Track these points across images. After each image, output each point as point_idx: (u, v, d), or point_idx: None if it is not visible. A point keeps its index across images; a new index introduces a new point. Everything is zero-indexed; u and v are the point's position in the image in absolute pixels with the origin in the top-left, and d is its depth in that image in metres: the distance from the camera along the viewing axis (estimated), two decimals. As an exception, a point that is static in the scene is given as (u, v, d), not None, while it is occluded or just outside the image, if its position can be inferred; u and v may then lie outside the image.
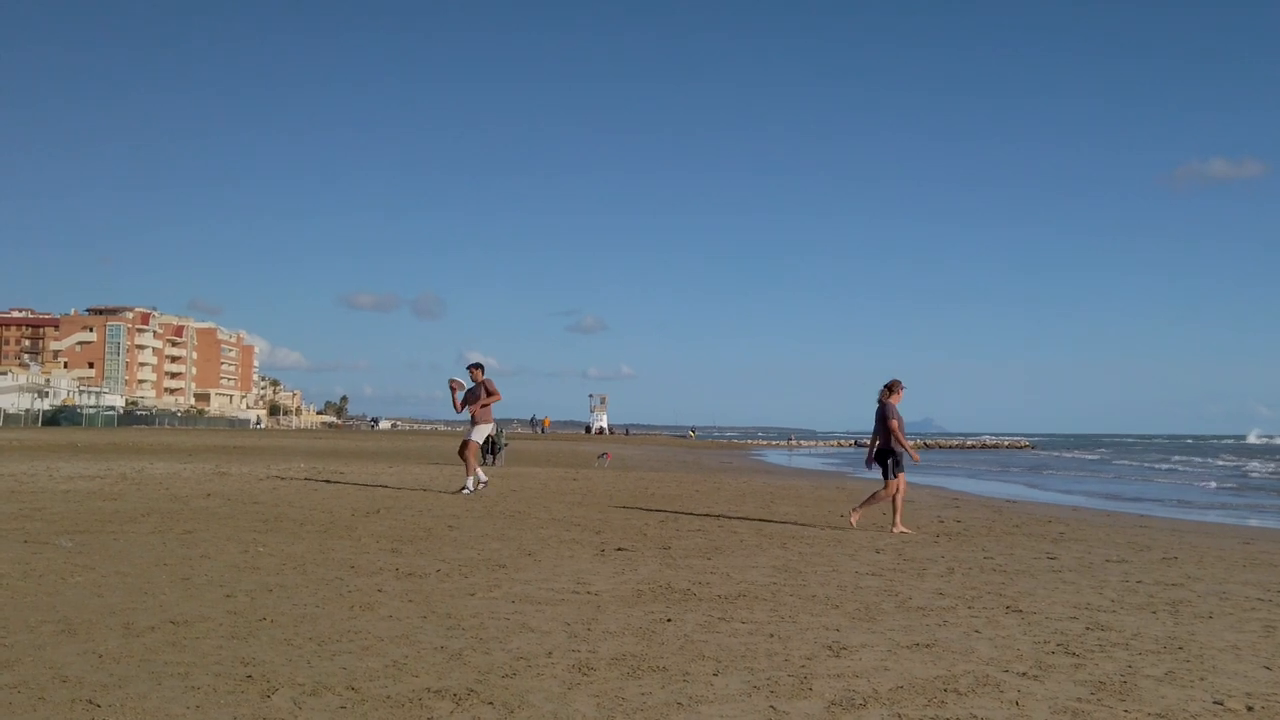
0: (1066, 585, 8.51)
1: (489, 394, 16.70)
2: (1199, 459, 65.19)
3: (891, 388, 12.60)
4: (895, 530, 12.23)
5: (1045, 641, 6.08)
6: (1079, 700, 4.74)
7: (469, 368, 16.97)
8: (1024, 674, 5.23)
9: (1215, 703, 4.78)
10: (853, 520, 12.60)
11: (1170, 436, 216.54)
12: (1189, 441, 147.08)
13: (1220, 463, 58.15)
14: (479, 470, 16.63)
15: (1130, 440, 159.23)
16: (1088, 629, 6.53)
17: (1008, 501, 21.69)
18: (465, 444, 16.68)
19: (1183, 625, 6.79)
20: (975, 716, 4.45)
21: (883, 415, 12.45)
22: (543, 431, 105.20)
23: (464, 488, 16.25)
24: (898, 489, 12.43)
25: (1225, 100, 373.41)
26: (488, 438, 27.89)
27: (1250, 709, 4.70)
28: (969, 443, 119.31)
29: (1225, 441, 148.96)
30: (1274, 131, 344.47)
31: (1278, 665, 5.63)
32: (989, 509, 18.11)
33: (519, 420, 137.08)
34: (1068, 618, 6.93)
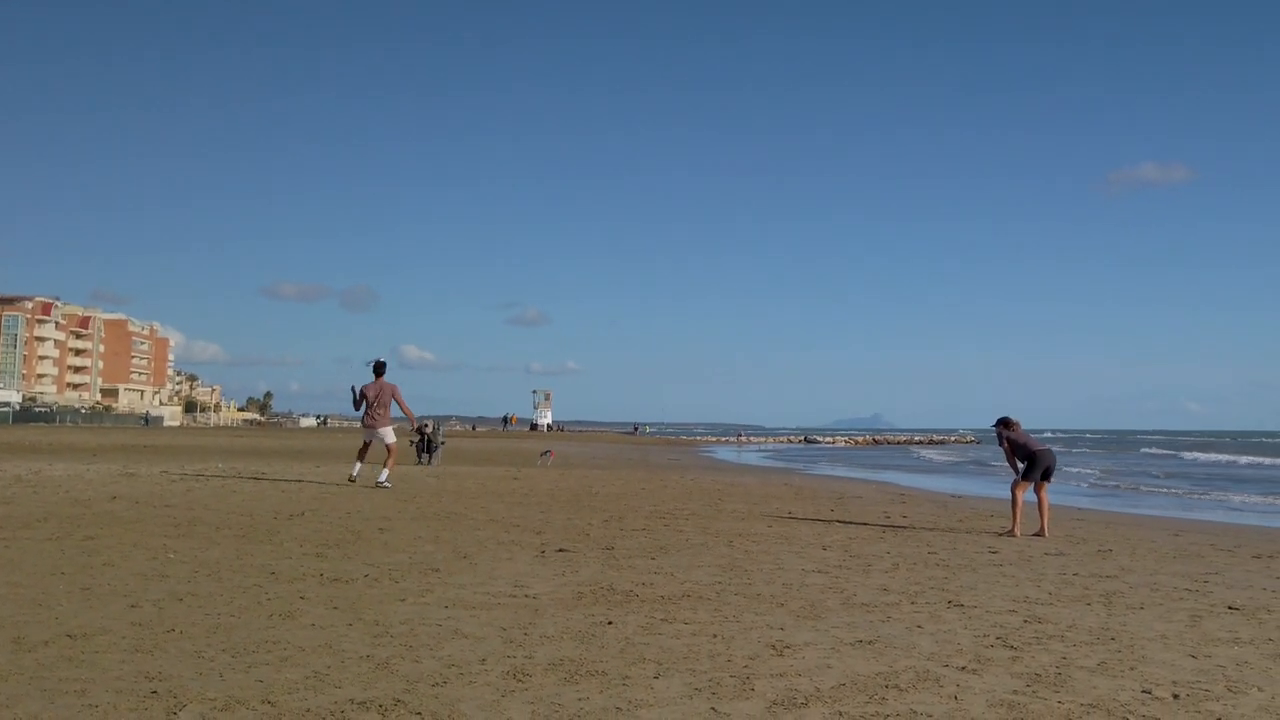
0: (1006, 579, 9.07)
1: (396, 400, 17.76)
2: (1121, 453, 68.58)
3: (1005, 423, 13.66)
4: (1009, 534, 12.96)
5: (984, 635, 6.47)
6: (1015, 693, 5.05)
7: (378, 366, 17.84)
8: (963, 668, 5.53)
9: (1144, 692, 5.16)
10: (1016, 532, 12.96)
11: (1109, 432, 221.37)
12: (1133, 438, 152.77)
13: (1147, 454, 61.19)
14: (356, 465, 18.07)
15: (1063, 435, 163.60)
16: (1025, 622, 6.99)
17: (953, 496, 22.55)
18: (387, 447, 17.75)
19: (1115, 616, 7.32)
20: (915, 712, 4.68)
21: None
22: (506, 428, 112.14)
23: (380, 481, 17.35)
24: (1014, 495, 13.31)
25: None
26: (424, 437, 28.03)
27: (1176, 697, 5.09)
28: (916, 438, 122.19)
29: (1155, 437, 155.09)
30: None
31: (1202, 654, 6.11)
32: (934, 504, 19.16)
33: (459, 418, 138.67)
34: (1006, 611, 7.41)
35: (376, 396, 17.56)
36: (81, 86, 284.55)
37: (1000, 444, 13.64)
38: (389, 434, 17.71)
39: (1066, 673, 5.49)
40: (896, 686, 5.08)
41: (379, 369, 17.73)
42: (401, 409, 17.90)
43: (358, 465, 18.03)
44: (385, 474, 17.52)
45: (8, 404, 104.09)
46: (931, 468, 47.07)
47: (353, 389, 17.61)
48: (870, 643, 6.10)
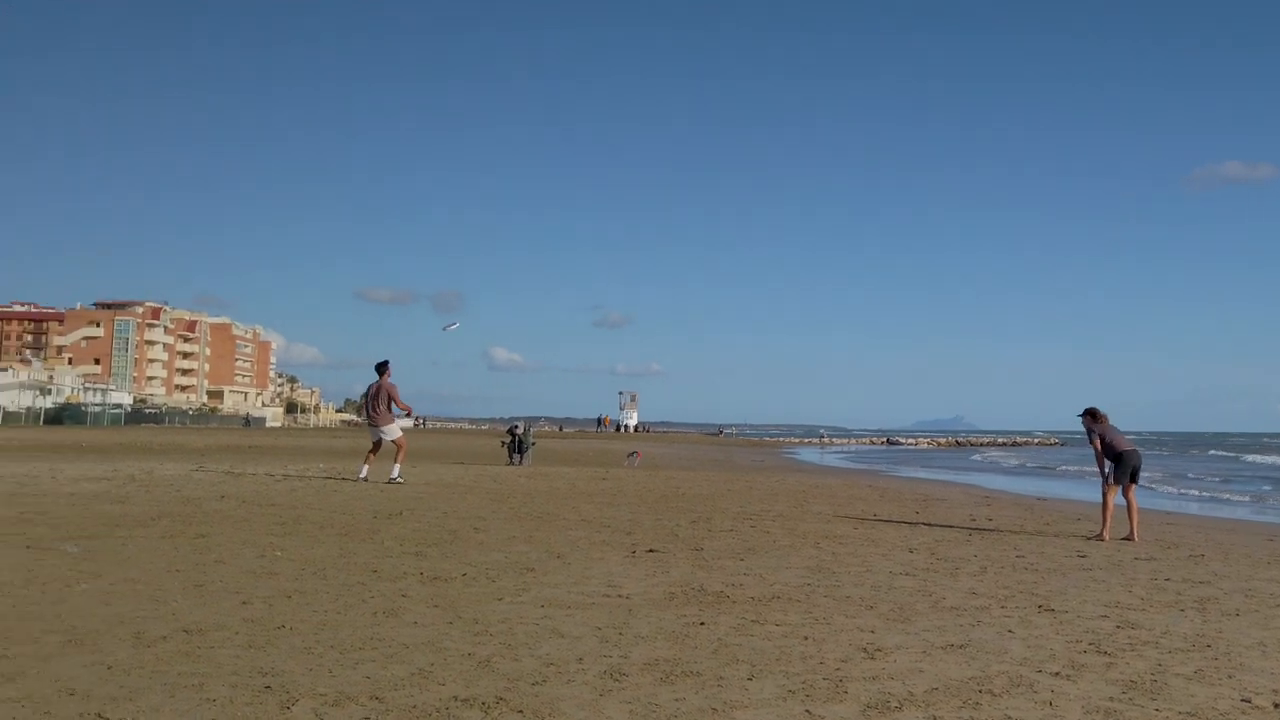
0: (1097, 583, 8.88)
1: (392, 399, 18.08)
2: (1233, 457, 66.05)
3: (1091, 414, 13.23)
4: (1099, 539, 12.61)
5: (1077, 640, 6.33)
6: (1111, 700, 4.94)
7: (379, 366, 18.21)
8: (1057, 674, 5.43)
9: (1243, 700, 5.01)
10: (1105, 536, 12.63)
11: (1215, 434, 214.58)
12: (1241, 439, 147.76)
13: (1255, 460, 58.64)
14: (364, 467, 18.27)
15: (1170, 438, 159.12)
16: (1118, 627, 6.82)
17: (1039, 499, 22.11)
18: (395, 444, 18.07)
19: (1210, 623, 7.12)
20: (1010, 717, 4.61)
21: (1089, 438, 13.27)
22: (600, 429, 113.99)
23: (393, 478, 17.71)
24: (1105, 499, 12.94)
25: None
26: (515, 438, 28.26)
27: (1278, 706, 4.92)
28: (1000, 440, 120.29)
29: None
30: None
31: (1302, 662, 5.88)
32: (1020, 507, 18.80)
33: (547, 419, 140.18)
34: (1099, 616, 7.23)
35: (375, 396, 18.08)
36: (181, 103, 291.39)
37: (1090, 441, 13.16)
38: (391, 431, 18.12)
39: (1162, 680, 5.36)
40: (990, 691, 4.99)
41: (380, 369, 18.18)
42: (397, 404, 18.24)
43: (366, 467, 18.28)
44: (397, 469, 18.01)
45: (120, 405, 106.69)
46: (1016, 470, 46.35)
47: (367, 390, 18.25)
48: (961, 647, 6.01)
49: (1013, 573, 9.32)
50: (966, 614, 7.11)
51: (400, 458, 18.21)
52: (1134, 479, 12.92)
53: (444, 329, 17.30)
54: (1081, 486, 29.67)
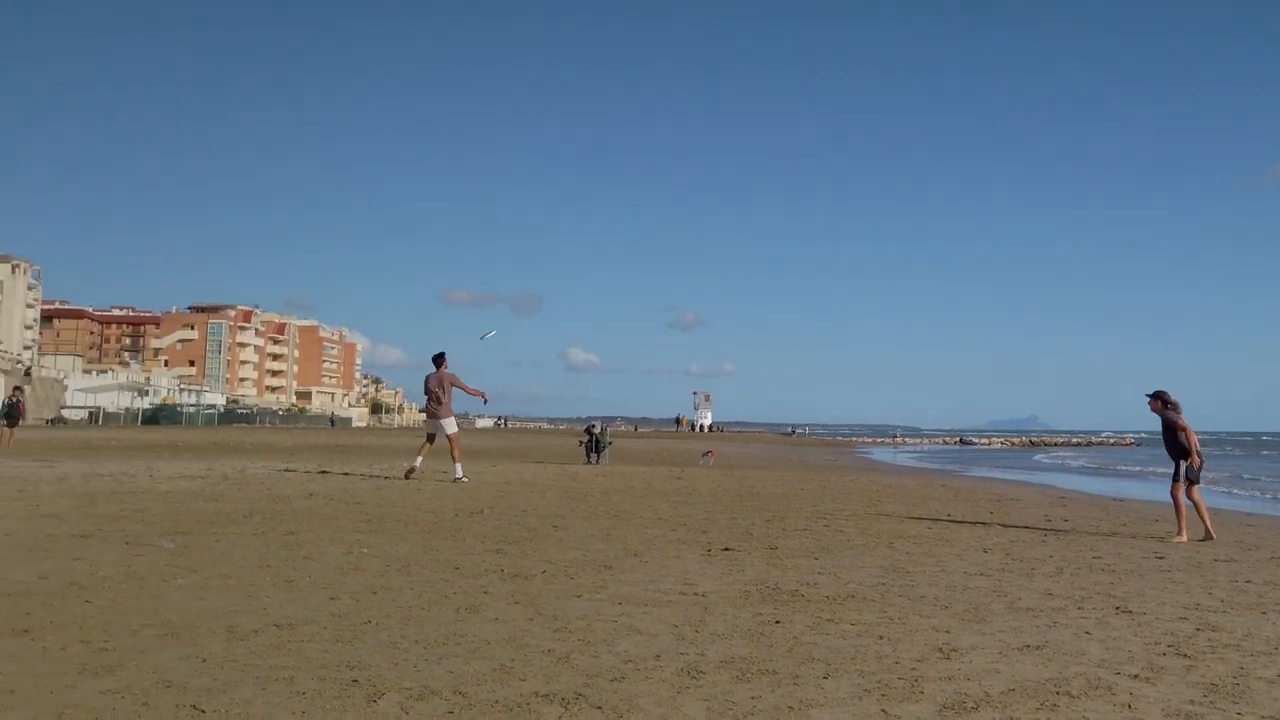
0: (1175, 585, 8.66)
1: (457, 387, 17.78)
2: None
3: (1163, 399, 12.72)
4: (1177, 540, 12.16)
5: (1156, 643, 6.19)
6: (1192, 703, 4.84)
7: (436, 358, 17.84)
8: (1135, 676, 5.32)
9: None
10: (1184, 537, 12.26)
11: (1250, 433, 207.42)
12: None
13: None
14: (417, 458, 18.10)
15: (1242, 438, 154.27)
16: (1198, 630, 6.66)
17: (1115, 500, 21.66)
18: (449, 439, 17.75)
19: None
20: (1087, 719, 4.52)
21: (1170, 427, 12.65)
22: (679, 429, 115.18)
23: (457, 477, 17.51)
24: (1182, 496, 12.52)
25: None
26: (593, 437, 28.37)
27: None
28: (1074, 440, 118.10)
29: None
30: None
31: (1389, 666, 5.68)
32: (1096, 507, 18.39)
33: (623, 418, 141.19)
34: (1178, 618, 7.06)
35: (438, 387, 17.69)
36: (273, 118, 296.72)
37: (1178, 424, 12.49)
38: (450, 424, 17.79)
39: (1245, 684, 5.23)
40: (1068, 693, 4.91)
41: (437, 360, 17.81)
42: (466, 391, 18.02)
43: (419, 459, 18.06)
44: (459, 469, 17.68)
45: (213, 406, 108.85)
46: (1090, 470, 45.46)
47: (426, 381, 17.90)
48: (1038, 648, 5.91)
49: (1089, 574, 9.15)
50: (1043, 615, 7.01)
51: (456, 455, 17.82)
52: (1196, 479, 12.54)
53: (481, 338, 17.03)
54: (1158, 487, 28.90)
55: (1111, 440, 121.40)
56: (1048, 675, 5.26)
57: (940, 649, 5.80)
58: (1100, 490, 26.77)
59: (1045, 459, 61.58)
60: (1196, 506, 12.43)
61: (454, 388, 17.82)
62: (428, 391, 17.93)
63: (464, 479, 17.56)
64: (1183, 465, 12.54)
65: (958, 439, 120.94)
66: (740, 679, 5.00)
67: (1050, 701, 4.77)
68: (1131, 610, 7.30)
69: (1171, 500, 12.67)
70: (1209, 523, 12.31)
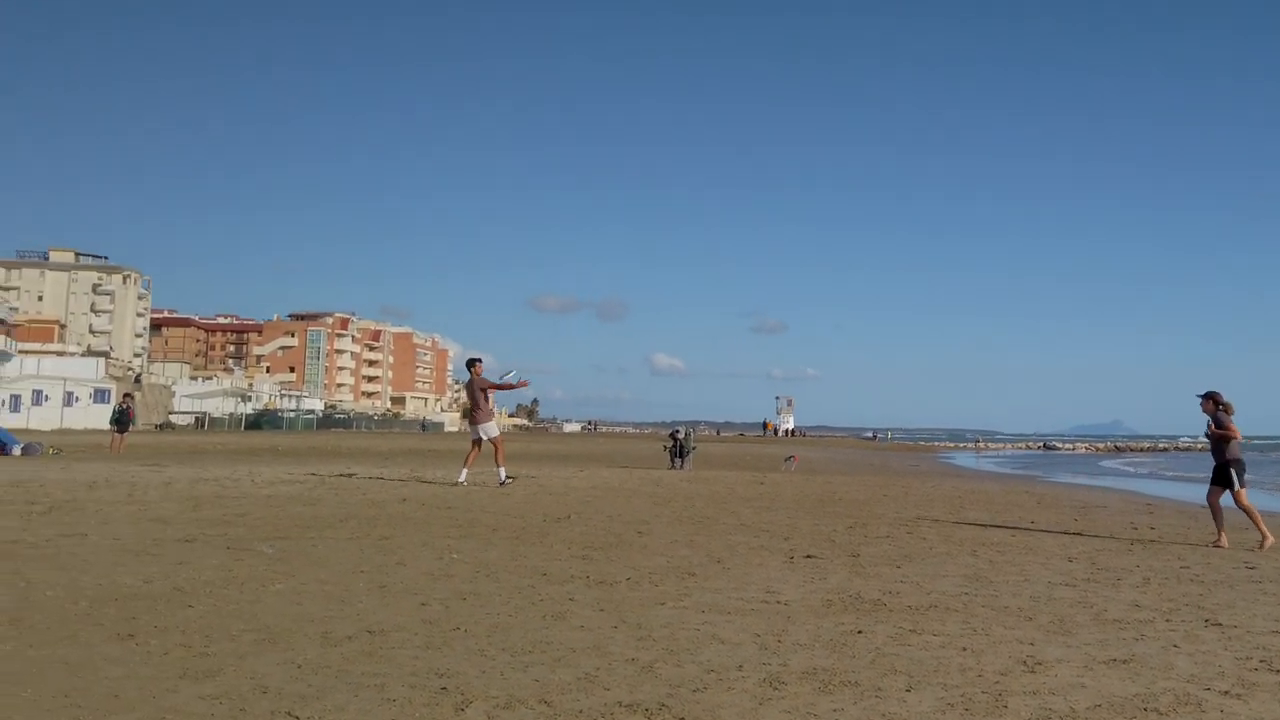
0: (1267, 597, 8.31)
1: (490, 391, 17.51)
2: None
3: (1216, 400, 12.32)
4: (1265, 545, 11.89)
5: (1247, 657, 5.95)
6: None
7: (468, 364, 17.62)
8: (1226, 692, 5.11)
9: None
10: (1223, 543, 12.03)
11: None
12: None
13: None
14: (463, 470, 17.67)
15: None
16: None
17: (1203, 508, 20.72)
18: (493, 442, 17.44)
19: None
20: None
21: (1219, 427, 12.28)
22: (766, 434, 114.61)
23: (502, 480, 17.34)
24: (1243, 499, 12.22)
25: None
26: (677, 442, 28.29)
27: None
28: (1160, 445, 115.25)
29: None
30: None
31: None
32: (1184, 515, 17.59)
33: (706, 423, 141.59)
34: (1270, 632, 6.76)
35: (476, 394, 17.46)
36: (366, 124, 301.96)
37: (1227, 427, 12.10)
38: (490, 429, 17.52)
39: (1340, 702, 5.00)
40: (1156, 710, 4.74)
41: (469, 365, 17.62)
42: (504, 389, 17.91)
43: (465, 471, 17.65)
44: (503, 472, 17.49)
45: (312, 411, 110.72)
46: (1178, 477, 44.12)
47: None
48: (1125, 662, 5.72)
49: (1177, 584, 8.83)
50: (1129, 627, 6.78)
51: (500, 459, 17.61)
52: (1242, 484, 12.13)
53: (501, 379, 16.56)
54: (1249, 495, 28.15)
55: (1200, 445, 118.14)
56: (1135, 690, 5.09)
57: (1024, 662, 5.65)
58: (1188, 498, 25.93)
59: (1127, 465, 60.06)
60: (1249, 512, 12.12)
61: (491, 391, 17.66)
62: (470, 398, 17.78)
63: (508, 481, 17.43)
64: (1233, 471, 12.15)
65: (1041, 444, 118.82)
66: (822, 690, 4.92)
67: (1138, 718, 4.62)
68: (1222, 623, 7.03)
69: (1241, 509, 12.26)
70: (1264, 527, 11.98)
